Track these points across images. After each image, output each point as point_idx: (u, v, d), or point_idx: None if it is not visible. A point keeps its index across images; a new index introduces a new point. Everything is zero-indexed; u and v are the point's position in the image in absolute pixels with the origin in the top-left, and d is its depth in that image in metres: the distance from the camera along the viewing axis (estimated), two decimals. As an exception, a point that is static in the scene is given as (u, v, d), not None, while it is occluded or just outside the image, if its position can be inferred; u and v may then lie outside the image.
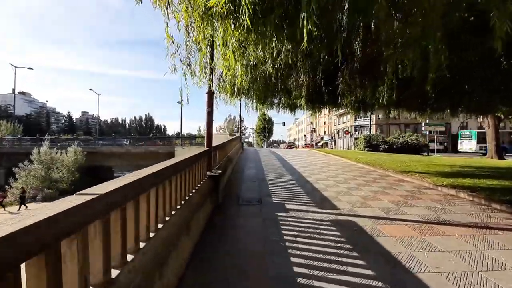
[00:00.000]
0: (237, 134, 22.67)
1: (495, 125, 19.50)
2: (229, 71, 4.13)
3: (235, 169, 10.29)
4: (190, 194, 3.83)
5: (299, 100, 8.74)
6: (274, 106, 9.85)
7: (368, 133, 32.33)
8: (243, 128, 70.16)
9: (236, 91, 6.26)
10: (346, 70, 8.08)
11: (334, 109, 11.08)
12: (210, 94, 5.54)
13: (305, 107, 9.14)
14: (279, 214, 4.68)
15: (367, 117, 46.55)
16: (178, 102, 31.62)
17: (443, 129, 27.35)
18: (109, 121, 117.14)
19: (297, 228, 3.96)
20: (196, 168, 4.29)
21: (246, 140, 47.41)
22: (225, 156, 8.89)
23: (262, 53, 3.75)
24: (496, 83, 8.67)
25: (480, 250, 3.25)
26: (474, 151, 26.10)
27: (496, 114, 18.26)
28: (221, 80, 6.01)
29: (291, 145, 61.43)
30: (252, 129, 62.38)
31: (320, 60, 6.79)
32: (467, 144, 26.92)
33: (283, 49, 3.58)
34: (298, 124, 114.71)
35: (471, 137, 27.12)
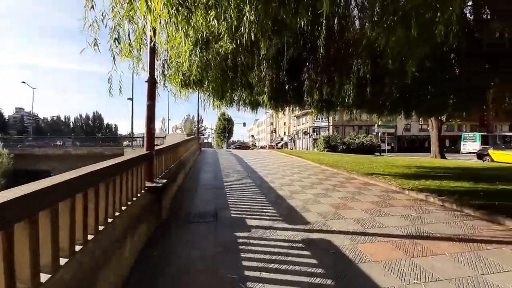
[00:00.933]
0: (195, 135, 21.18)
1: (438, 127, 21.21)
2: (172, 49, 3.08)
3: (190, 174, 9.07)
4: (111, 220, 2.67)
5: (261, 97, 7.91)
6: (234, 103, 8.88)
7: (326, 134, 33.27)
8: (202, 128, 67.89)
9: (186, 81, 5.14)
10: (311, 65, 7.49)
11: (297, 108, 10.53)
12: (152, 83, 4.35)
13: (267, 105, 8.36)
14: (238, 234, 3.72)
15: (326, 118, 48.30)
16: (129, 99, 28.85)
17: (393, 130, 29.28)
18: (49, 119, 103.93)
19: (262, 257, 3.05)
20: (125, 179, 3.12)
21: (205, 140, 45.58)
22: (177, 160, 7.65)
23: (215, 22, 2.76)
24: (447, 88, 8.94)
25: (480, 275, 2.69)
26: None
27: (439, 117, 19.81)
28: (166, 67, 4.85)
29: (243, 146, 53.59)
30: (212, 129, 60.52)
31: (285, 48, 6.05)
32: (471, 146, 28.93)
33: (245, 19, 2.66)
34: (258, 124, 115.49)
35: (475, 139, 29.47)
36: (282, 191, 6.51)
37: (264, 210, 4.90)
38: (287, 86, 8.46)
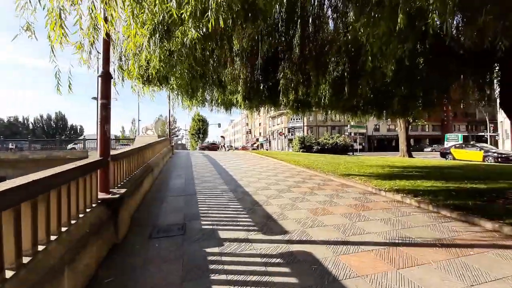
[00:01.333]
0: (167, 136, 20.19)
1: (406, 128, 22.23)
2: (129, 38, 2.55)
3: (159, 179, 8.39)
4: (42, 248, 2.10)
5: (235, 97, 7.50)
6: (206, 103, 8.37)
7: (301, 134, 33.63)
8: (175, 129, 65.78)
9: (149, 77, 4.56)
10: (287, 64, 7.22)
11: (273, 108, 10.25)
12: (105, 79, 3.76)
13: (242, 105, 7.96)
14: (208, 250, 3.27)
15: (300, 119, 49.01)
16: (93, 98, 26.90)
17: (364, 131, 30.30)
18: (5, 120, 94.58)
19: (235, 278, 2.64)
20: (65, 193, 2.55)
21: (179, 142, 44.04)
22: (143, 164, 6.98)
23: (174, 2, 2.30)
24: (418, 91, 9.18)
25: (469, 286, 2.51)
26: None
27: (407, 118, 20.74)
28: (124, 60, 4.25)
29: (212, 146, 46.94)
30: (186, 130, 58.77)
31: (259, 44, 5.70)
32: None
33: (211, 1, 2.23)
34: (234, 125, 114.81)
35: (458, 139, 31.09)
36: (258, 196, 6.13)
37: (239, 219, 4.49)
38: (262, 86, 8.13)
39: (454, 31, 7.41)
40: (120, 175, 4.60)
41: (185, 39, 2.72)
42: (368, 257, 3.10)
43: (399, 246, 3.36)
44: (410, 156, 21.74)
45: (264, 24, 3.15)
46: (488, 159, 18.72)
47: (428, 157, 25.86)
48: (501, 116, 31.71)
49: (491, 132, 36.01)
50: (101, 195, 3.63)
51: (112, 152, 4.25)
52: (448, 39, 3.61)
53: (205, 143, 52.25)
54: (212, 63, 5.32)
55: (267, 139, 65.16)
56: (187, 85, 5.20)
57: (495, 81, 9.27)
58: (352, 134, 27.90)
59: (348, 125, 25.17)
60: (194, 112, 9.12)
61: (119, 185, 4.44)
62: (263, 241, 3.55)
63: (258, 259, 3.03)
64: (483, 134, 37.63)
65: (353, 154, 25.82)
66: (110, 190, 3.88)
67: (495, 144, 33.73)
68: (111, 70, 4.39)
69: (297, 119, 51.86)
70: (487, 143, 31.06)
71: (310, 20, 6.70)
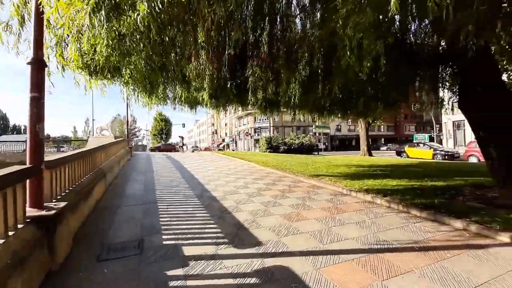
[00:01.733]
0: (124, 137, 18.63)
1: (366, 128, 23.42)
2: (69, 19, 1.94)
3: (114, 186, 7.47)
4: None
5: (201, 94, 6.94)
6: (168, 101, 7.65)
7: (268, 134, 33.73)
8: (135, 129, 62.01)
9: (96, 67, 3.85)
10: (256, 61, 6.88)
11: (240, 108, 9.83)
12: (38, 67, 3.03)
13: (208, 103, 7.42)
14: (171, 273, 2.75)
15: (267, 119, 49.32)
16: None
17: (328, 131, 31.38)
18: None
19: (204, 309, 2.18)
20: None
21: (139, 143, 41.42)
22: (94, 169, 6.09)
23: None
24: (380, 92, 9.49)
25: (457, 295, 2.37)
26: None
27: (367, 119, 21.83)
28: (65, 46, 3.50)
29: (167, 148, 40.99)
30: (147, 130, 55.58)
31: (227, 39, 5.26)
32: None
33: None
34: (199, 125, 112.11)
35: (425, 139, 33.31)
36: (226, 201, 5.68)
37: (206, 230, 4.00)
38: (229, 83, 7.69)
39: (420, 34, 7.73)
40: (60, 185, 3.82)
41: (137, 18, 2.18)
42: (350, 268, 2.85)
43: (379, 253, 3.18)
44: (370, 155, 22.98)
45: (235, 4, 2.71)
46: (437, 156, 20.49)
47: (385, 156, 27.63)
48: (445, 117, 35.24)
49: (437, 132, 39.77)
50: (32, 212, 2.89)
51: (48, 158, 3.48)
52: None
53: (167, 144, 49.33)
54: (175, 56, 4.74)
55: (233, 140, 64.59)
56: (145, 78, 4.53)
57: (447, 84, 9.97)
58: (317, 134, 28.77)
59: (313, 126, 25.89)
60: (155, 111, 8.35)
61: (58, 197, 3.67)
62: (235, 256, 3.12)
63: (230, 281, 2.60)
64: (429, 134, 41.61)
65: (318, 154, 26.53)
66: (45, 204, 3.14)
67: (440, 142, 37.38)
68: (51, 58, 3.64)
69: (263, 120, 52.16)
70: (433, 141, 34.18)
71: (278, 18, 6.48)
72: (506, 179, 5.05)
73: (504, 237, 3.49)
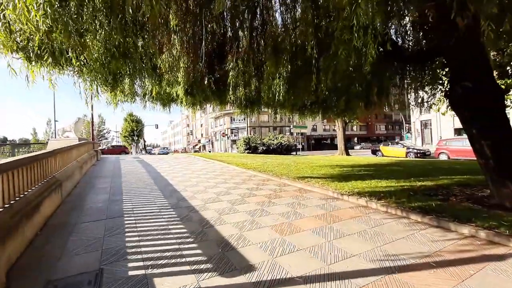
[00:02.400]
0: (89, 139, 17.01)
1: (343, 128, 23.67)
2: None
3: (73, 196, 6.40)
4: None
5: (175, 90, 6.14)
6: (137, 97, 6.74)
7: (246, 135, 33.08)
8: (104, 131, 58.35)
9: (37, 50, 2.96)
10: (236, 54, 6.24)
11: (219, 106, 9.11)
12: None
13: (184, 101, 6.62)
14: (138, 324, 2.02)
15: (243, 119, 48.66)
16: None
17: (306, 131, 31.46)
18: None
19: None
20: None
21: (108, 145, 38.72)
22: (44, 178, 5.07)
23: None
24: (363, 90, 9.33)
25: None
26: None
27: (344, 119, 22.03)
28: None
29: (116, 149, 33.76)
30: (116, 132, 52.26)
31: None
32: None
33: None
34: (173, 126, 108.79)
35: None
36: (207, 211, 4.96)
37: (185, 252, 3.27)
38: (207, 78, 6.96)
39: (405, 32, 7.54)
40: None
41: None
42: (366, 297, 2.31)
43: (394, 273, 2.69)
44: (348, 154, 23.26)
45: None
46: (410, 155, 21.17)
47: (360, 154, 28.25)
48: (413, 117, 37.07)
49: (407, 131, 41.68)
50: None
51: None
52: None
53: (116, 146, 43.33)
54: (142, 42, 3.95)
55: (209, 141, 63.14)
56: (104, 67, 3.68)
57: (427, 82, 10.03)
58: (295, 134, 28.70)
59: (291, 125, 25.71)
60: (123, 109, 7.29)
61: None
62: (222, 290, 2.46)
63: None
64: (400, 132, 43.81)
65: (296, 154, 26.40)
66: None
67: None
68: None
69: (240, 120, 51.48)
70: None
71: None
72: (499, 179, 4.88)
73: (519, 245, 3.18)
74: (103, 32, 3.03)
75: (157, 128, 56.88)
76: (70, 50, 3.00)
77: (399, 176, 7.72)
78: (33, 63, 3.27)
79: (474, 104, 4.98)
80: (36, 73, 3.28)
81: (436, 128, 33.32)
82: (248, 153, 23.90)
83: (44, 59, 2.87)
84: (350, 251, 3.19)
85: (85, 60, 3.47)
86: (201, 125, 71.11)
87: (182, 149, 76.97)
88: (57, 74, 3.88)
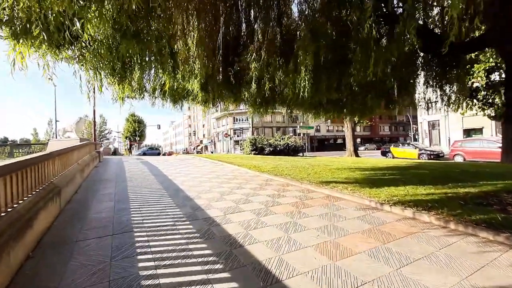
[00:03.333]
0: (92, 139, 16.33)
1: (352, 128, 22.92)
2: None
3: (74, 202, 5.69)
4: None
5: (190, 84, 5.42)
6: (145, 92, 6.03)
7: (248, 135, 32.34)
8: (106, 131, 57.79)
9: (22, 24, 2.24)
10: (257, 44, 5.54)
11: (233, 104, 8.39)
12: None
13: (199, 96, 5.91)
14: None
15: (246, 119, 48.00)
16: None
17: (312, 131, 30.70)
18: None
19: None
20: None
21: (109, 146, 38.08)
22: (40, 185, 4.36)
23: None
24: (379, 91, 8.66)
25: None
26: None
27: (353, 119, 21.27)
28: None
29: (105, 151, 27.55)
30: (118, 132, 51.61)
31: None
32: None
33: None
34: (175, 127, 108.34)
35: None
36: (230, 225, 4.24)
37: (216, 286, 2.54)
38: (222, 73, 6.26)
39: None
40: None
41: None
42: None
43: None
44: (357, 155, 22.51)
45: None
46: (423, 156, 20.40)
47: (368, 156, 27.50)
48: (421, 118, 36.30)
49: (414, 131, 40.89)
50: None
51: None
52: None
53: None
54: (155, 24, 3.23)
55: (211, 141, 62.50)
56: (111, 51, 2.95)
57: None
58: (301, 135, 27.98)
59: (298, 126, 24.96)
60: (131, 106, 6.58)
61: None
62: None
63: None
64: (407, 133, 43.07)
65: (303, 155, 25.68)
66: None
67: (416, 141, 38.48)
68: None
69: (243, 120, 50.80)
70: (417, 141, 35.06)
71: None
72: None
73: None
74: (110, 7, 2.32)
75: (159, 128, 56.28)
76: (68, 23, 2.28)
77: (433, 181, 6.96)
78: (21, 41, 2.56)
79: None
80: (27, 56, 2.56)
81: (444, 129, 32.55)
82: (254, 154, 23.16)
83: (35, 35, 2.15)
84: (429, 285, 2.46)
85: (88, 42, 2.77)
86: (203, 125, 70.52)
87: (184, 150, 76.20)
88: (52, 58, 3.13)
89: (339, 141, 57.21)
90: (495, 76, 12.43)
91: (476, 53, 11.40)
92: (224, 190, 6.93)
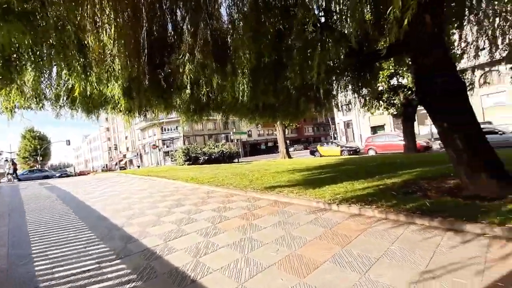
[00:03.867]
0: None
1: (283, 131, 24.06)
2: None
3: None
4: None
5: (108, 89, 4.45)
6: (46, 100, 4.70)
7: (182, 145, 30.55)
8: (-8, 153, 46.18)
9: None
10: (188, 45, 5.00)
11: (163, 112, 7.47)
12: None
13: (121, 104, 4.93)
14: None
15: (175, 129, 45.44)
16: None
17: (246, 136, 31.02)
18: None
19: None
20: None
21: (5, 170, 30.30)
22: None
23: None
24: (312, 95, 9.16)
25: None
26: None
27: (283, 123, 22.36)
28: None
29: None
30: (11, 153, 41.56)
31: None
32: None
33: None
34: (90, 141, 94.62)
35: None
36: (173, 254, 3.54)
37: None
38: (148, 78, 5.43)
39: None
40: None
41: None
42: None
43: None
44: (290, 156, 23.72)
45: None
46: (344, 153, 22.87)
47: (298, 156, 29.44)
48: (338, 118, 41.14)
49: (333, 131, 45.90)
50: None
51: None
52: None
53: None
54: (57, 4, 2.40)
55: (137, 154, 56.83)
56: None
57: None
58: (235, 141, 27.90)
59: (231, 132, 24.80)
60: (23, 118, 4.92)
61: None
62: None
63: None
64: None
65: (238, 161, 25.63)
66: None
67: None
68: None
69: (172, 130, 47.92)
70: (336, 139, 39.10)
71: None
72: (472, 170, 4.99)
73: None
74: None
75: (69, 144, 48.02)
76: None
77: (363, 176, 7.61)
78: None
79: (446, 97, 5.00)
80: None
81: (356, 127, 37.65)
82: (188, 164, 21.83)
83: None
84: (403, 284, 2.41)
85: None
86: (126, 137, 63.68)
87: (104, 167, 67.16)
88: None
89: (270, 144, 59.92)
90: (394, 81, 14.84)
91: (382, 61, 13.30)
92: (160, 210, 6.01)
